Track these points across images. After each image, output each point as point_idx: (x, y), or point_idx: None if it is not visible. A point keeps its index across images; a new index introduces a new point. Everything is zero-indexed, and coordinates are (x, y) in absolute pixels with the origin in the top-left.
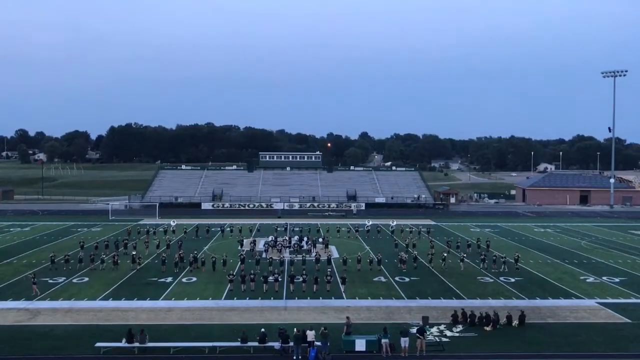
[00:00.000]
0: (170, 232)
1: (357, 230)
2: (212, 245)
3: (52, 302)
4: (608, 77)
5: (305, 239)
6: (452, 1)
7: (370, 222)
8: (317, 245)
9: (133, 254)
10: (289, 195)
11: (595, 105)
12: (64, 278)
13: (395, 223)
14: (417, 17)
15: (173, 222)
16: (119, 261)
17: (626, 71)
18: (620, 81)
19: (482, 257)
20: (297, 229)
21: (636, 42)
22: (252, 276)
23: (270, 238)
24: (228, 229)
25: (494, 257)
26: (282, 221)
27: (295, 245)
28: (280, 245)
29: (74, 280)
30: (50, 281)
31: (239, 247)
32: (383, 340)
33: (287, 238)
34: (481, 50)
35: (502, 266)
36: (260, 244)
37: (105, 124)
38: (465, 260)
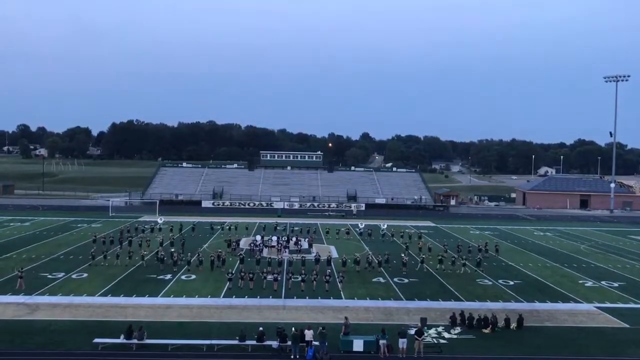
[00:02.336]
0: (157, 230)
1: (347, 232)
2: (210, 243)
3: (51, 297)
4: (610, 81)
5: (294, 238)
6: (454, 2)
7: (364, 224)
8: (301, 244)
9: (172, 251)
10: (289, 194)
11: (596, 110)
12: (63, 273)
13: (385, 225)
14: (419, 18)
15: (160, 220)
16: (164, 258)
17: (629, 76)
18: (622, 86)
19: (439, 257)
20: (291, 228)
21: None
22: (251, 275)
23: (257, 237)
24: (219, 227)
25: (453, 259)
26: (272, 220)
27: (281, 245)
28: (261, 245)
29: (73, 276)
30: (50, 276)
31: (227, 247)
32: (381, 342)
33: (272, 238)
34: (483, 52)
35: (462, 268)
36: (246, 244)
37: (107, 120)
38: (472, 263)
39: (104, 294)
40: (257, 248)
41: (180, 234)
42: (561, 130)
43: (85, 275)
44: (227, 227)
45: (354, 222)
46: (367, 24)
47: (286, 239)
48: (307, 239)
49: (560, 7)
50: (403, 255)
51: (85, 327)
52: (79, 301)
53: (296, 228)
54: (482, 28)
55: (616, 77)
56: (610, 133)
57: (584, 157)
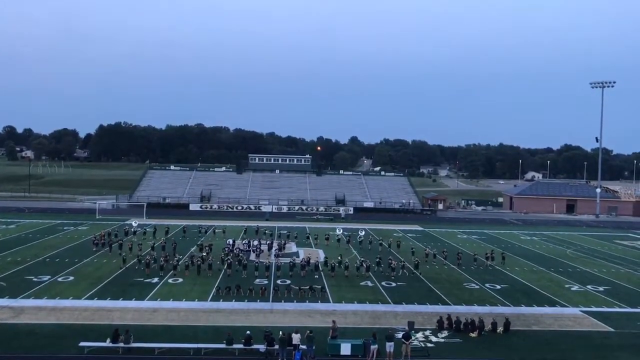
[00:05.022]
0: (132, 233)
1: (327, 238)
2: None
3: (36, 301)
4: (597, 87)
5: (270, 241)
6: (443, 8)
7: (341, 230)
8: (272, 247)
9: (162, 254)
10: (277, 197)
11: (583, 116)
12: (48, 276)
13: (363, 232)
14: (408, 24)
15: (135, 223)
16: (149, 262)
17: (614, 82)
18: (608, 92)
19: (378, 259)
20: (264, 231)
21: (625, 53)
22: (235, 287)
23: (229, 241)
24: (197, 230)
25: (389, 261)
26: (253, 223)
27: (257, 249)
28: (238, 249)
29: (59, 279)
30: (35, 279)
31: (198, 251)
32: (372, 347)
33: (246, 242)
34: (471, 58)
35: (400, 271)
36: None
37: (94, 122)
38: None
39: (90, 297)
40: (234, 252)
41: (166, 237)
42: (548, 135)
43: (71, 278)
44: (204, 230)
45: (338, 225)
46: (356, 28)
47: (257, 242)
48: (278, 242)
49: (547, 15)
50: (392, 260)
51: (71, 330)
52: (64, 304)
53: (267, 232)
54: (470, 35)
55: (602, 83)
56: (596, 139)
57: (571, 162)
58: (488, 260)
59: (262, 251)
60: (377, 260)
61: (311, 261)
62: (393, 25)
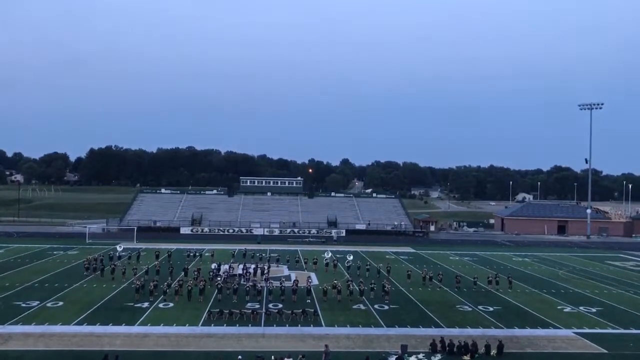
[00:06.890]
0: (116, 258)
1: (315, 263)
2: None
3: (24, 327)
4: (585, 109)
5: (254, 265)
6: (429, 33)
7: (330, 254)
8: (256, 271)
9: (155, 279)
10: (269, 220)
11: (572, 137)
12: (37, 302)
13: (352, 257)
14: (396, 49)
15: (119, 247)
16: (139, 287)
17: (602, 104)
18: (596, 114)
19: (372, 284)
20: (257, 255)
21: (613, 76)
22: (227, 311)
23: (213, 265)
24: (185, 254)
25: (360, 282)
26: (242, 246)
27: (248, 272)
28: (226, 273)
29: (49, 304)
30: (23, 305)
31: (184, 276)
32: None
33: (232, 266)
34: (460, 80)
35: (370, 293)
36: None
37: (84, 145)
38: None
39: (80, 323)
40: (221, 276)
41: (158, 260)
42: (538, 156)
43: (60, 303)
44: (192, 254)
45: (328, 248)
46: (346, 52)
47: (243, 266)
48: (261, 267)
49: (535, 38)
50: (386, 282)
51: (60, 357)
52: (53, 330)
53: (257, 255)
54: (458, 58)
55: (590, 105)
56: (586, 160)
57: (561, 183)
58: (491, 284)
59: (250, 274)
60: (372, 286)
61: (301, 285)
62: (381, 50)
